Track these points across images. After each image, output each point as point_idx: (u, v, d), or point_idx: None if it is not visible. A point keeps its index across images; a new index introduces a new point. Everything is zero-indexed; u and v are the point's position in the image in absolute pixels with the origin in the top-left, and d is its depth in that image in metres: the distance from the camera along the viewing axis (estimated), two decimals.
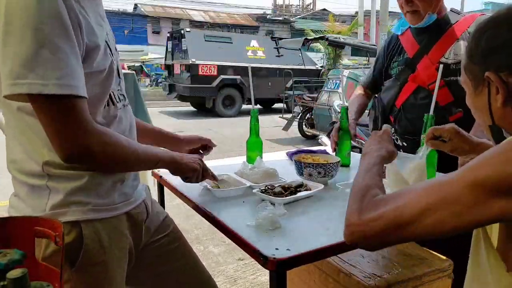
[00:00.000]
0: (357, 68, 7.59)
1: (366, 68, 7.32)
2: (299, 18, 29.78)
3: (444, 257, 1.60)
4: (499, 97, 0.71)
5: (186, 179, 1.23)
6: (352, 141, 1.72)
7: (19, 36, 0.75)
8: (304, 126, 7.79)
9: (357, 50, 9.34)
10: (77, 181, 0.93)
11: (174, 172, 1.17)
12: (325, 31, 16.01)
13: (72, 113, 0.82)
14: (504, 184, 0.58)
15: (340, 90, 6.56)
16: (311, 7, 35.94)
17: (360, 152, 1.44)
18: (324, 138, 4.82)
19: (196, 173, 1.21)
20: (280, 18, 28.41)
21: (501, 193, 0.59)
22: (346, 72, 6.77)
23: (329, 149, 1.88)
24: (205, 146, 1.45)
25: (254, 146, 1.64)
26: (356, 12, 18.06)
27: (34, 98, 0.80)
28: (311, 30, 15.72)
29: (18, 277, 0.64)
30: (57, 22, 0.78)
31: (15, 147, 0.95)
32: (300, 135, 7.95)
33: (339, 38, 8.92)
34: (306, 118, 7.66)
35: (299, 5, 37.30)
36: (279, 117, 8.98)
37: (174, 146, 1.37)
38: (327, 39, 8.42)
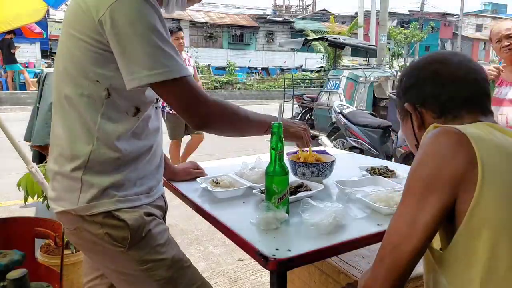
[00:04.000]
0: (357, 68, 7.53)
1: (365, 68, 7.29)
2: (299, 18, 29.75)
3: None
4: (415, 122, 0.94)
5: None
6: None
7: (141, 42, 0.95)
8: None
9: (357, 51, 9.31)
10: (108, 177, 1.04)
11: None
12: (325, 32, 16.01)
13: (192, 89, 1.02)
14: (423, 185, 0.75)
15: (340, 90, 6.56)
16: (311, 8, 35.94)
17: (361, 152, 1.47)
18: (324, 139, 4.81)
19: (302, 140, 1.39)
20: (280, 19, 28.38)
21: (428, 192, 0.74)
22: (346, 73, 6.77)
23: (329, 149, 1.88)
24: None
25: (279, 181, 1.11)
26: (356, 13, 18.07)
27: (164, 84, 0.98)
28: (311, 30, 15.71)
29: (18, 278, 0.64)
30: (160, 29, 0.98)
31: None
32: None
33: (339, 38, 8.89)
34: (306, 118, 7.64)
35: (299, 6, 37.30)
36: None
37: (170, 176, 1.50)
38: (327, 40, 8.40)
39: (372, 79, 6.66)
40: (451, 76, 0.89)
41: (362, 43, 9.46)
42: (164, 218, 1.24)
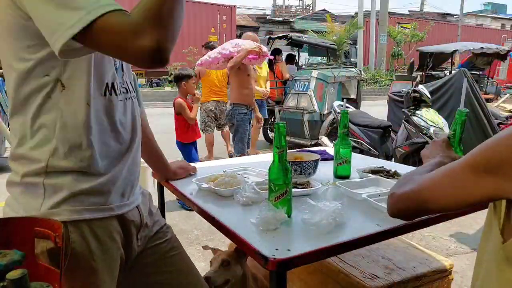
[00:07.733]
0: (325, 68, 6.82)
1: (334, 68, 6.70)
2: (299, 18, 29.71)
3: (444, 258, 1.60)
4: None
5: None
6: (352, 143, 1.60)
7: None
8: (268, 131, 7.06)
9: (316, 50, 8.90)
10: (74, 181, 0.92)
11: None
12: (325, 32, 15.96)
13: (124, 22, 0.76)
14: (492, 164, 0.68)
15: (309, 92, 6.00)
16: (311, 8, 35.92)
17: (361, 152, 1.46)
18: (324, 139, 4.78)
19: None
20: (280, 19, 28.35)
21: (492, 172, 0.68)
22: (315, 73, 6.21)
23: (329, 149, 1.87)
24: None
25: (277, 179, 1.14)
26: (356, 13, 18.07)
27: (91, 27, 0.76)
28: (312, 30, 15.69)
29: (18, 278, 0.64)
30: None
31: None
32: (264, 140, 7.15)
33: (302, 37, 8.57)
34: (269, 123, 6.92)
35: (298, 6, 37.27)
36: None
37: (164, 173, 1.49)
38: (290, 38, 8.11)
39: (340, 79, 6.25)
40: None
41: (323, 42, 9.05)
42: (137, 236, 1.08)
